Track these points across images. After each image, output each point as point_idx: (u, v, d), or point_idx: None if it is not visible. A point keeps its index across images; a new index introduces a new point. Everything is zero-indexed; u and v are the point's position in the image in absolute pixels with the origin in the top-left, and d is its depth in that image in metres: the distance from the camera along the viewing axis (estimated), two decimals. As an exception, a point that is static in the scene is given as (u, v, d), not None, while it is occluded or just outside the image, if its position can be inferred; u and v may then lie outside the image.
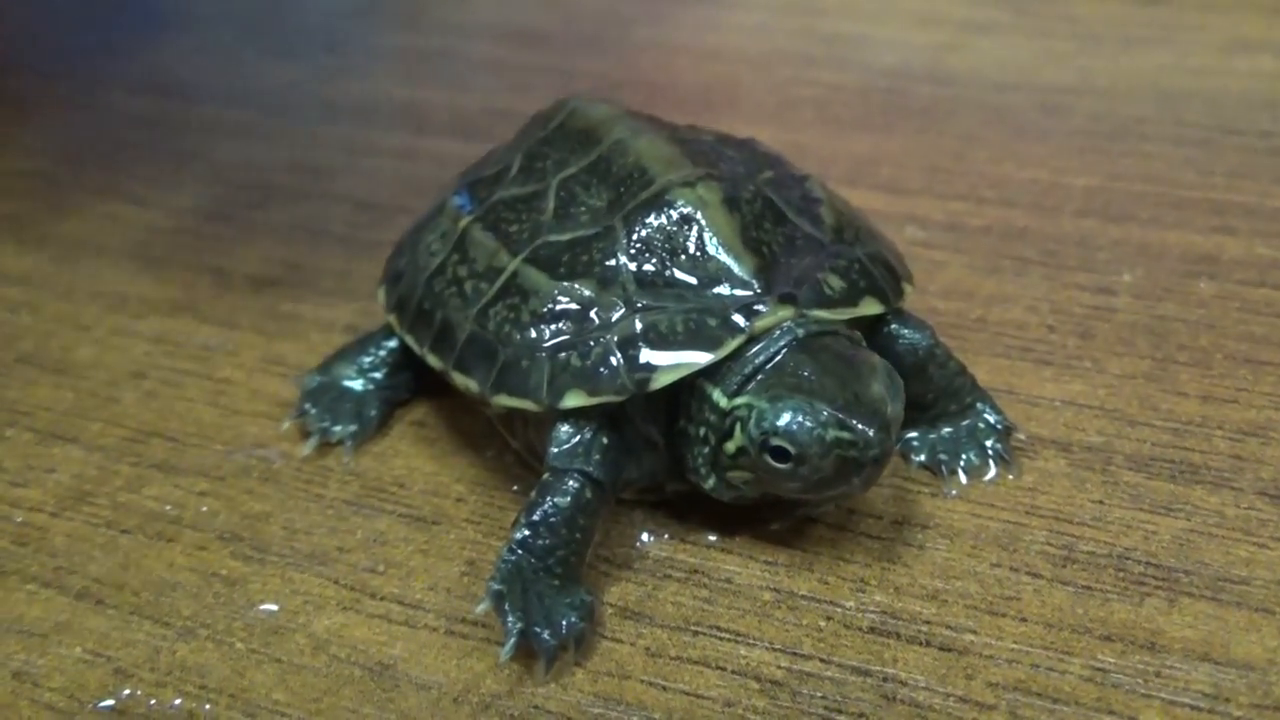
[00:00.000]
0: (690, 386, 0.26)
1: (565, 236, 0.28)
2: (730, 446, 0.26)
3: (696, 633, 0.25)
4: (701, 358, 0.26)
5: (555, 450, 0.26)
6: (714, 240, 0.27)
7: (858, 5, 0.55)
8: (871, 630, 0.25)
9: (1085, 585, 0.26)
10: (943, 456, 0.29)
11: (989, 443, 0.29)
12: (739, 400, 0.26)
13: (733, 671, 0.25)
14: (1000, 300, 0.34)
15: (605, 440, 0.26)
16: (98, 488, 0.30)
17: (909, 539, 0.27)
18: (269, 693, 0.25)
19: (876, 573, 0.26)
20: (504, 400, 0.27)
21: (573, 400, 0.26)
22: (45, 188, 0.44)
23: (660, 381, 0.26)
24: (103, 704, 0.25)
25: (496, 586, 0.25)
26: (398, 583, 0.27)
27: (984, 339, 0.33)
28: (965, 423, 0.29)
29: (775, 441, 0.25)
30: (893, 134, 0.44)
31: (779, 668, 0.25)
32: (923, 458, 0.29)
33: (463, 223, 0.30)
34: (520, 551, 0.25)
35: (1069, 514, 0.27)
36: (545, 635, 0.25)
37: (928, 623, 0.25)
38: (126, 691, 0.25)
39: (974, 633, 0.25)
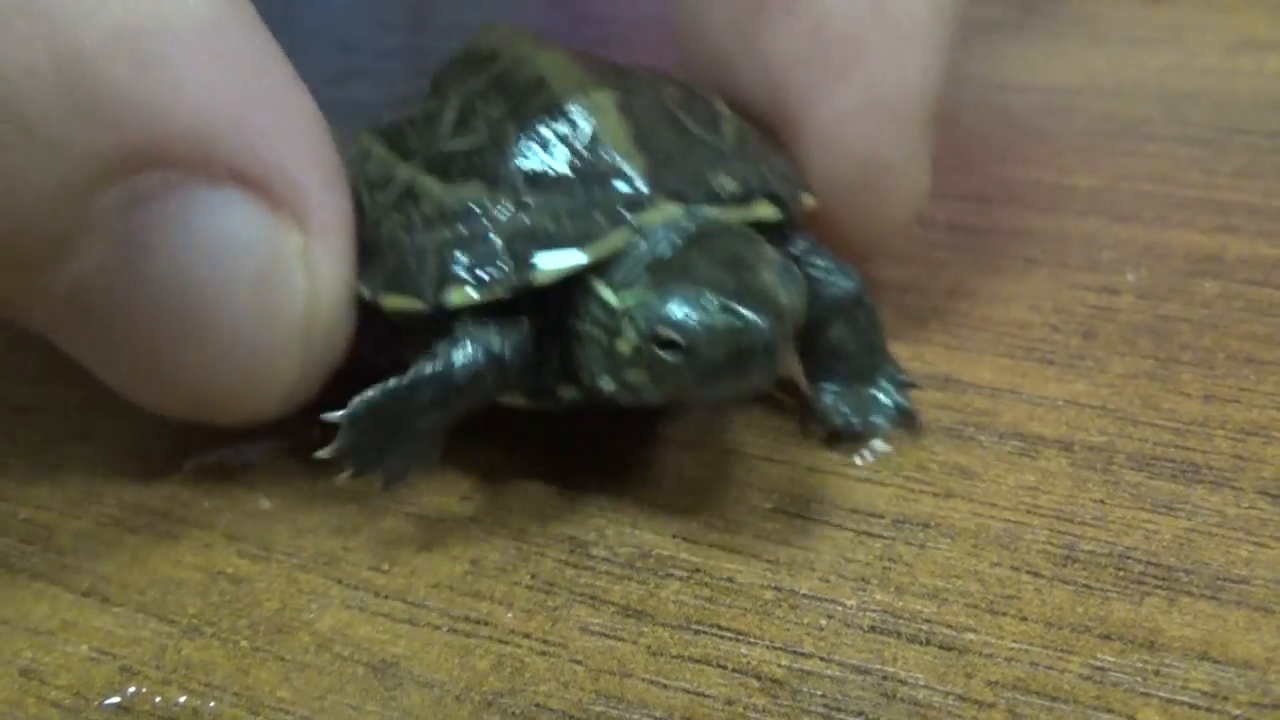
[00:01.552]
0: (583, 285, 0.26)
1: (462, 145, 0.28)
2: (623, 345, 0.26)
3: (698, 631, 0.25)
4: (587, 255, 0.26)
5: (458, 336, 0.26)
6: (606, 141, 0.27)
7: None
8: (872, 629, 0.25)
9: (1085, 584, 0.26)
10: (852, 417, 0.29)
11: (892, 400, 0.29)
12: (627, 295, 0.26)
13: (734, 670, 0.25)
14: (1003, 300, 0.34)
15: (504, 333, 0.26)
16: (105, 486, 0.30)
17: (910, 538, 0.27)
18: (273, 690, 0.25)
19: (878, 571, 0.26)
20: (393, 302, 0.27)
21: (459, 298, 0.26)
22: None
23: (546, 278, 0.26)
24: (109, 701, 0.25)
25: (357, 413, 0.26)
26: (401, 581, 0.27)
27: (987, 339, 0.33)
28: (872, 384, 0.30)
29: (663, 333, 0.25)
30: (898, 134, 0.44)
31: (779, 666, 0.25)
32: (832, 414, 0.29)
33: (365, 140, 0.30)
34: (394, 401, 0.26)
35: (1070, 513, 0.27)
36: (391, 462, 0.27)
37: (928, 621, 0.25)
38: (132, 689, 0.25)
39: (974, 631, 0.25)
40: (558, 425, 0.30)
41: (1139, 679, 0.24)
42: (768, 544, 0.27)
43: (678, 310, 0.24)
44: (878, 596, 0.26)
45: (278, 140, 0.26)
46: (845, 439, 0.29)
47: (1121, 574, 0.26)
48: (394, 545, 0.28)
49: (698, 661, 0.25)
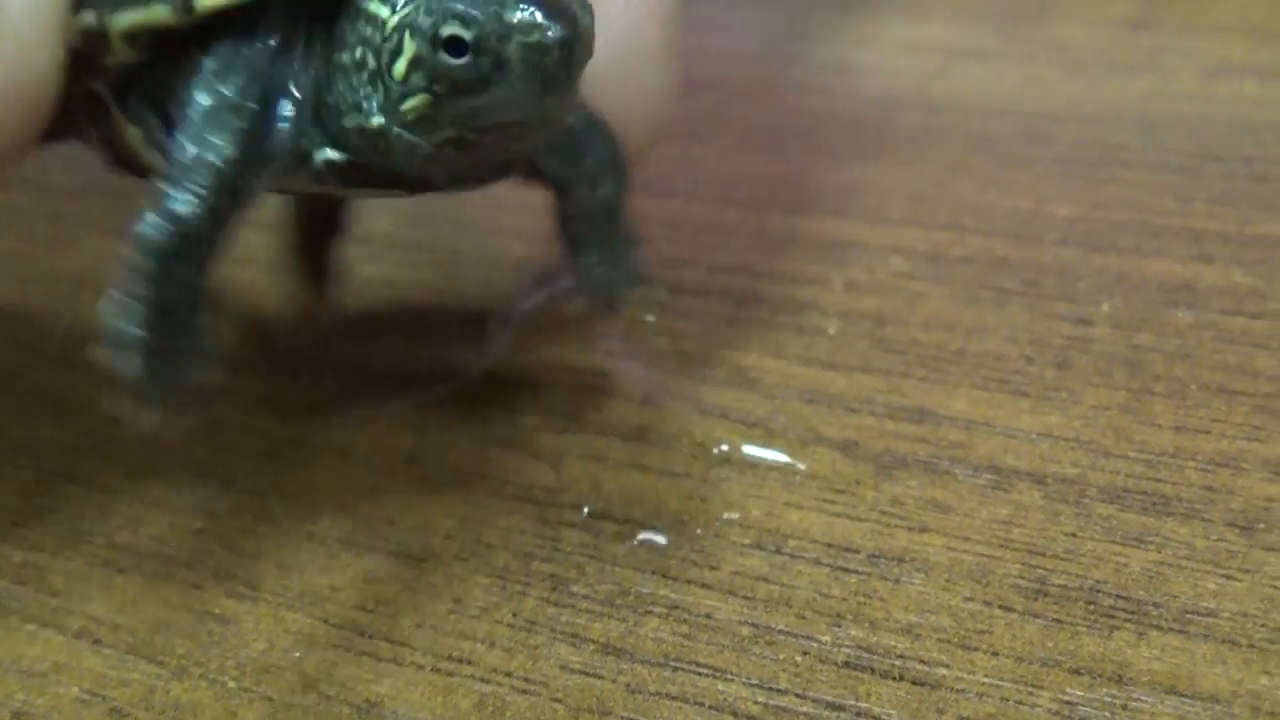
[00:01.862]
0: (349, 12, 0.24)
1: None
2: (400, 66, 0.23)
3: (676, 668, 0.26)
4: None
5: (194, 119, 0.24)
6: None
7: (849, 33, 0.55)
8: (847, 664, 0.26)
9: (1056, 618, 0.26)
10: (620, 288, 0.30)
11: (636, 265, 0.30)
12: (404, 5, 0.23)
13: (710, 707, 0.25)
14: (980, 331, 0.35)
15: (251, 107, 0.24)
16: (96, 527, 0.31)
17: (886, 573, 0.28)
18: (260, 731, 0.25)
19: (853, 607, 0.27)
20: (128, 19, 0.24)
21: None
22: (48, 223, 0.45)
23: None
24: (99, 743, 0.25)
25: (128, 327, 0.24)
26: (386, 621, 0.27)
27: (963, 371, 0.33)
28: (628, 248, 0.30)
29: (448, 30, 0.22)
30: (878, 163, 0.44)
31: (755, 703, 0.25)
32: (604, 287, 0.30)
33: None
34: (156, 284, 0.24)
35: (1042, 547, 0.28)
36: (168, 386, 0.24)
37: (901, 657, 0.26)
38: (122, 730, 0.26)
39: (946, 666, 0.26)
40: (538, 470, 0.31)
41: (1107, 713, 0.24)
42: (746, 580, 0.28)
43: (466, 4, 0.22)
44: (852, 632, 0.26)
45: None
46: (607, 309, 0.30)
47: (1092, 607, 0.26)
48: (379, 584, 0.28)
49: (675, 699, 0.25)
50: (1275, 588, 0.26)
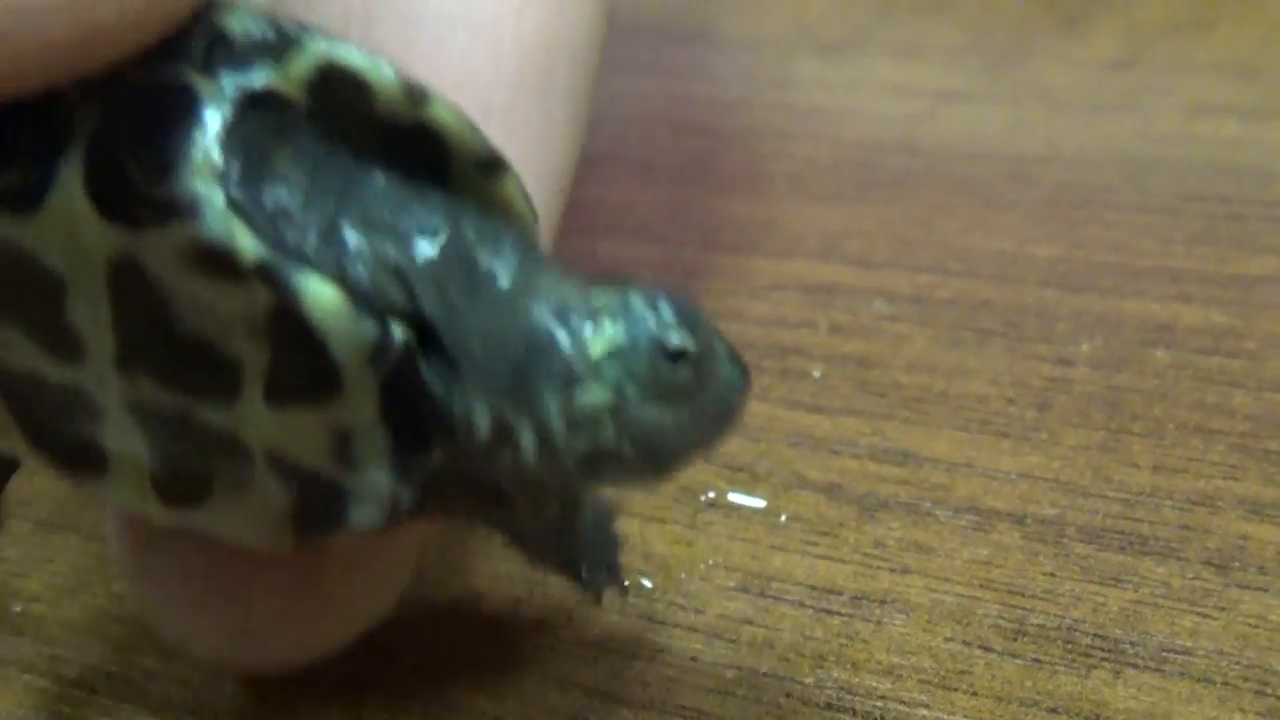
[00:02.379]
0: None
1: None
2: (595, 393, 0.19)
3: (662, 712, 0.26)
4: None
5: None
6: None
7: (835, 77, 0.56)
8: (828, 706, 0.26)
9: (1035, 658, 0.27)
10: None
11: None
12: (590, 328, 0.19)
13: (695, 750, 0.26)
14: (962, 373, 0.35)
15: None
16: (93, 576, 0.31)
17: (868, 614, 0.28)
18: (252, 778, 0.26)
19: (835, 649, 0.27)
20: None
21: None
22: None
23: None
24: (95, 792, 0.26)
25: None
26: (377, 670, 0.28)
27: (945, 412, 0.34)
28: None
29: (672, 339, 0.19)
30: (864, 206, 0.45)
31: (739, 745, 0.26)
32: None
33: None
34: None
35: (1021, 586, 0.28)
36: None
37: (883, 698, 0.26)
38: (117, 779, 0.26)
39: (927, 707, 0.26)
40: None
41: (1084, 752, 0.25)
42: (730, 623, 0.28)
43: (678, 310, 0.19)
44: (835, 674, 0.27)
45: None
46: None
47: (1070, 646, 0.27)
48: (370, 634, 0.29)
49: (660, 742, 0.26)
50: (1249, 625, 0.27)
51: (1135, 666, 0.26)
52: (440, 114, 0.20)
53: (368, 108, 0.20)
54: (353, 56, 0.20)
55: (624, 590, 0.27)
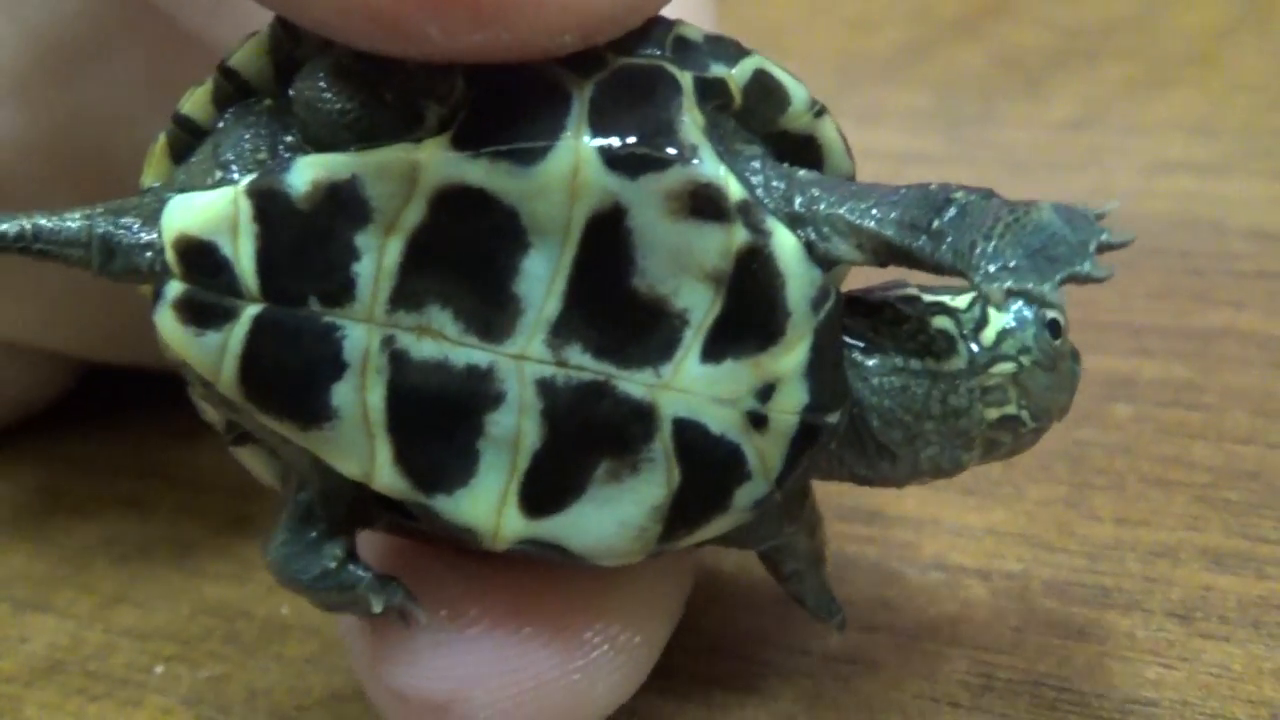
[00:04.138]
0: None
1: None
2: (1000, 369, 0.24)
3: (630, 774, 0.27)
4: None
5: None
6: None
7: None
8: (799, 766, 0.27)
9: (1002, 713, 0.27)
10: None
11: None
12: (967, 293, 0.25)
13: (667, 813, 0.26)
14: (928, 432, 0.36)
15: None
16: (69, 656, 0.31)
17: (837, 673, 0.29)
18: None
19: (805, 708, 0.28)
20: None
21: None
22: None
23: None
24: None
25: None
26: (352, 738, 0.28)
27: (912, 471, 0.34)
28: None
29: (1058, 315, 0.24)
30: (830, 269, 0.46)
31: (711, 808, 0.26)
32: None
33: None
34: None
35: (988, 642, 0.29)
36: None
37: (853, 757, 0.27)
38: None
39: (896, 765, 0.26)
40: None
41: (1051, 805, 0.25)
42: (701, 685, 0.29)
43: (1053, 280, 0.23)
44: (805, 734, 0.27)
45: None
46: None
47: (1036, 700, 0.27)
48: (346, 703, 0.29)
49: (633, 807, 0.26)
50: (1212, 675, 0.27)
51: (1100, 718, 0.27)
52: (830, 130, 0.24)
53: (777, 114, 0.23)
54: (780, 71, 0.23)
55: (844, 623, 0.28)
